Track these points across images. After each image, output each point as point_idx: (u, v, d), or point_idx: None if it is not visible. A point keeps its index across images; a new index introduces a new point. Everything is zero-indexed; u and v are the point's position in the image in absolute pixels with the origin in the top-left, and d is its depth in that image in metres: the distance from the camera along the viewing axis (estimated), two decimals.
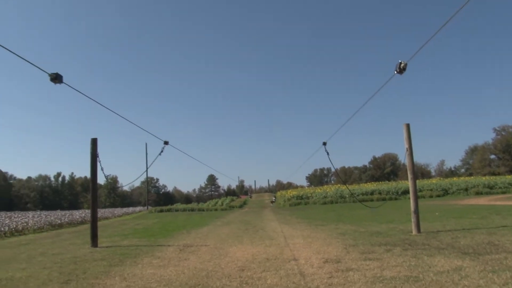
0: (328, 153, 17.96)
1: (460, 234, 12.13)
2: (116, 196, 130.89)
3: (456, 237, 11.50)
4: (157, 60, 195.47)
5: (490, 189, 52.35)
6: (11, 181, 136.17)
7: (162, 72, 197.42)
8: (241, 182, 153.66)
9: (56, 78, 9.35)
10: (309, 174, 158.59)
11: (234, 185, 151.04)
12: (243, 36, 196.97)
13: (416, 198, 14.09)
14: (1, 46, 7.95)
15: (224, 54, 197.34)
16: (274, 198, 68.37)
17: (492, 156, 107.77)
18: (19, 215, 32.48)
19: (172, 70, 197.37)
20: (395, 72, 7.58)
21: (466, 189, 52.93)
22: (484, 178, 64.34)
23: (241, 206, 58.84)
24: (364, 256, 9.02)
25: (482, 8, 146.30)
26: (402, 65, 7.10)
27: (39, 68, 9.08)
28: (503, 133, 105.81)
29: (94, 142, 14.74)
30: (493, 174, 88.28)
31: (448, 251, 9.15)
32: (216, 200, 75.72)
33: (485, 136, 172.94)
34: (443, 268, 7.27)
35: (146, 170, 63.22)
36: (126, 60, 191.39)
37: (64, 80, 9.76)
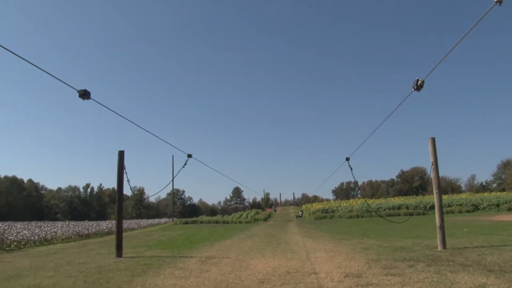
0: (351, 168, 17.91)
1: (487, 251, 11.87)
2: (142, 207, 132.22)
3: (482, 254, 11.26)
4: (184, 80, 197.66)
5: None
6: (42, 192, 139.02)
7: (189, 92, 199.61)
8: (267, 195, 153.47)
9: (85, 95, 9.61)
10: (335, 188, 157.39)
11: (259, 197, 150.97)
12: (264, 58, 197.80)
13: (442, 213, 13.87)
14: (33, 64, 8.22)
15: (249, 76, 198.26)
16: (301, 213, 59.89)
17: None
18: (49, 225, 33.07)
19: (197, 91, 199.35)
20: (413, 89, 7.55)
21: (498, 205, 51.70)
22: None
23: (265, 219, 58.69)
24: (386, 271, 8.92)
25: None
26: (419, 82, 7.06)
27: (68, 85, 9.35)
28: None
29: (121, 154, 15.00)
30: None
31: (473, 268, 8.97)
32: (241, 212, 75.73)
33: None
34: (466, 285, 7.15)
35: (172, 182, 63.80)
36: (152, 79, 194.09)
37: (93, 95, 10.04)
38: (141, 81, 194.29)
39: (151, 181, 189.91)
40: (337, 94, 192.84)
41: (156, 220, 63.30)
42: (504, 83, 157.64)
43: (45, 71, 8.82)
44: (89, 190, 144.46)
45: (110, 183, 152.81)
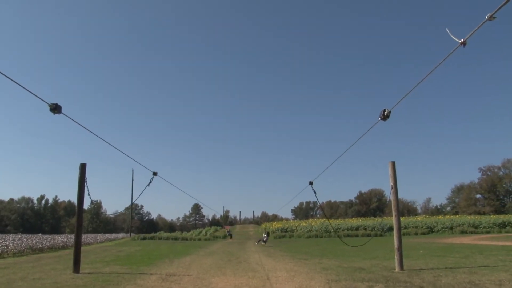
0: (315, 192, 18.20)
1: (442, 273, 12.21)
2: (99, 221, 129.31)
3: (438, 276, 11.58)
4: (144, 97, 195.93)
5: (475, 229, 52.81)
6: None
7: (149, 107, 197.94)
8: (226, 212, 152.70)
9: (56, 109, 9.47)
10: (294, 207, 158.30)
11: (218, 215, 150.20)
12: (226, 77, 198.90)
13: (400, 235, 14.20)
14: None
15: (214, 94, 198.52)
16: (266, 236, 37.84)
17: (478, 196, 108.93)
18: None
19: (158, 108, 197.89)
20: (379, 118, 7.78)
21: (451, 228, 53.29)
22: (469, 217, 64.88)
23: (224, 237, 58.44)
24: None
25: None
26: (386, 112, 7.31)
27: (40, 98, 9.18)
28: (488, 173, 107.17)
29: (83, 167, 14.74)
30: (479, 213, 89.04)
31: None
32: (200, 229, 75.21)
33: (471, 176, 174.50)
34: None
35: (131, 197, 62.90)
36: (113, 94, 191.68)
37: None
38: (100, 96, 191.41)
39: (108, 195, 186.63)
40: (301, 118, 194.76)
41: (113, 235, 62.18)
42: (459, 113, 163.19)
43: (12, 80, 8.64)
44: (43, 202, 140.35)
45: (66, 196, 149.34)
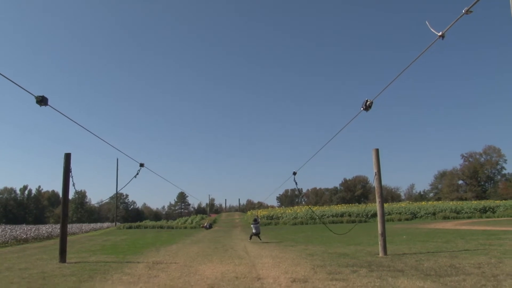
0: (296, 183, 18.40)
1: (424, 257, 12.49)
2: (83, 211, 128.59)
3: (420, 260, 11.85)
4: (128, 85, 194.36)
5: (457, 214, 53.66)
6: None
7: (136, 97, 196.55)
8: (212, 200, 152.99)
9: (42, 101, 9.44)
10: (280, 195, 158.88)
11: (204, 203, 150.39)
12: (214, 63, 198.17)
13: (384, 221, 14.46)
14: None
15: (198, 84, 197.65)
16: (254, 224, 24.82)
17: (460, 182, 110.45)
18: None
19: (142, 95, 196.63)
20: (362, 108, 7.91)
21: (434, 213, 54.07)
22: (451, 203, 65.89)
23: (210, 225, 58.65)
24: (331, 277, 9.25)
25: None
26: (368, 103, 7.43)
27: (26, 91, 9.15)
28: (470, 159, 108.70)
29: (67, 157, 14.70)
30: (461, 199, 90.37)
31: (412, 273, 9.46)
32: (186, 218, 75.23)
33: (454, 162, 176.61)
34: None
35: (116, 187, 62.72)
36: (96, 82, 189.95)
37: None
38: (85, 85, 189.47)
39: (93, 184, 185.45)
40: (287, 105, 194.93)
41: (99, 225, 62.01)
42: (443, 100, 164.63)
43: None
44: (26, 192, 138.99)
45: (50, 186, 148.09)
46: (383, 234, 14.03)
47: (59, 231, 14.84)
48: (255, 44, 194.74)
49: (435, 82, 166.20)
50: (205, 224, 40.17)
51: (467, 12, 3.58)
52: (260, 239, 23.30)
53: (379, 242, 13.98)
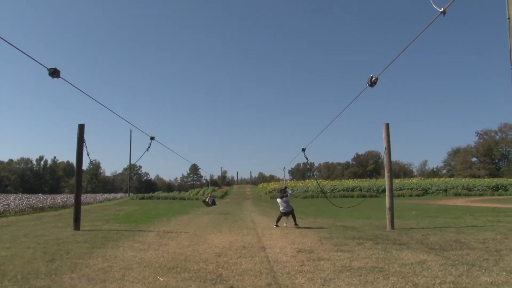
0: (307, 159, 18.50)
1: (431, 232, 12.63)
2: (98, 181, 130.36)
3: (426, 234, 11.99)
4: (144, 57, 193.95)
5: (469, 191, 53.55)
6: None
7: (149, 68, 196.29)
8: (224, 172, 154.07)
9: (54, 73, 9.59)
10: (291, 168, 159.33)
11: (216, 175, 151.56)
12: (230, 37, 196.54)
13: (392, 195, 14.56)
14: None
15: (211, 53, 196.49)
16: (287, 191, 16.28)
17: (474, 159, 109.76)
18: (0, 197, 32.42)
19: (159, 68, 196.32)
20: (367, 85, 7.94)
21: (446, 190, 54.05)
22: (463, 180, 65.69)
23: (222, 197, 59.27)
24: (337, 248, 9.46)
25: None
26: (373, 79, 7.47)
27: (39, 63, 9.30)
28: (485, 137, 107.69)
29: (81, 127, 14.93)
30: (474, 176, 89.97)
31: (416, 246, 9.62)
32: (198, 189, 76.06)
33: (468, 139, 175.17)
34: (408, 261, 7.71)
35: (130, 158, 63.38)
36: (115, 55, 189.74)
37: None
38: (103, 57, 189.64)
39: (107, 155, 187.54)
40: (300, 78, 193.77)
41: (112, 195, 62.94)
42: (457, 75, 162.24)
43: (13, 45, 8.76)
44: (42, 163, 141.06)
45: (65, 156, 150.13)
46: (391, 208, 14.15)
47: (73, 200, 15.17)
48: (273, 12, 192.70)
49: (451, 56, 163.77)
50: (207, 198, 28.93)
51: None
52: (296, 223, 15.19)
53: (387, 216, 14.12)
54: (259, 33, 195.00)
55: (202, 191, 68.29)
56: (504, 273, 6.55)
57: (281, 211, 15.48)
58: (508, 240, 10.37)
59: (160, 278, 6.49)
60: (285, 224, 15.41)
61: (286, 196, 15.68)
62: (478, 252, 8.67)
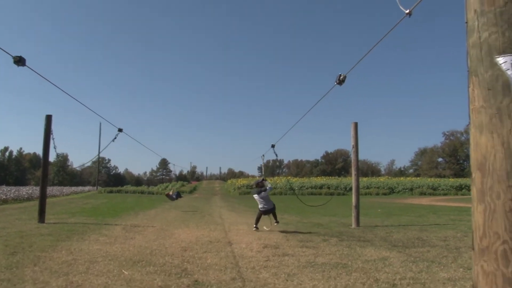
0: (276, 155, 18.61)
1: (395, 230, 12.90)
2: (65, 174, 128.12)
3: (390, 232, 12.25)
4: (116, 48, 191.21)
5: (434, 190, 54.71)
6: None
7: (120, 58, 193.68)
8: (193, 168, 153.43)
9: (20, 61, 9.38)
10: (261, 165, 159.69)
11: (186, 170, 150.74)
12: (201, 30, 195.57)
13: (358, 194, 14.81)
14: None
15: (183, 45, 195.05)
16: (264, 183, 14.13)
17: (440, 159, 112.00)
18: None
19: (130, 59, 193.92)
20: (335, 83, 8.05)
21: (412, 189, 55.08)
22: (429, 179, 67.14)
23: (191, 192, 59.07)
24: (302, 244, 9.58)
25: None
26: (341, 77, 7.58)
27: (4, 51, 9.08)
28: (451, 137, 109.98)
29: (48, 118, 14.67)
30: (439, 176, 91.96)
31: (380, 243, 9.82)
32: (167, 184, 75.59)
33: (435, 140, 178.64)
34: (371, 257, 7.88)
35: (99, 151, 62.48)
36: (83, 45, 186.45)
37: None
38: (73, 47, 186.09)
39: (75, 148, 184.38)
40: (269, 72, 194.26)
41: (80, 188, 62.05)
42: (425, 74, 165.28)
43: None
44: (7, 154, 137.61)
45: (31, 148, 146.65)
46: (357, 206, 14.40)
47: (39, 192, 14.92)
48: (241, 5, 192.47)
49: (419, 54, 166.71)
50: (170, 192, 26.62)
51: None
52: (276, 221, 13.24)
53: (353, 214, 14.36)
54: (229, 24, 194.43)
55: (171, 185, 67.86)
56: (461, 269, 6.76)
57: (260, 209, 13.08)
58: (467, 238, 10.67)
59: (124, 272, 6.47)
60: (265, 228, 12.91)
61: (265, 190, 13.19)
62: (438, 249, 8.92)
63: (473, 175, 2.02)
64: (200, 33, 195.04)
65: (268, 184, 14.29)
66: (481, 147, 1.96)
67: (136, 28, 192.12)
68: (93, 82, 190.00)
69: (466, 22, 2.08)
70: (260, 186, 13.43)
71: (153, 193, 51.46)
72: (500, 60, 1.89)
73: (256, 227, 12.71)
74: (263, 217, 13.22)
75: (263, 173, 19.88)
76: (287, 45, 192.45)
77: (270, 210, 13.09)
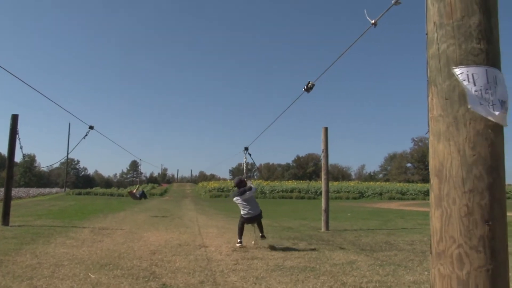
0: (250, 155, 18.55)
1: (363, 234, 13.09)
2: (32, 175, 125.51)
3: (359, 236, 12.42)
4: (87, 47, 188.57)
5: (402, 195, 55.55)
6: None
7: (90, 58, 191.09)
8: (164, 170, 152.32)
9: None
10: (232, 168, 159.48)
11: (156, 172, 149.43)
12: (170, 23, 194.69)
13: (328, 198, 14.97)
14: None
15: (156, 47, 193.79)
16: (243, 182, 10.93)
17: (408, 165, 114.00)
18: None
19: (101, 58, 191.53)
20: (303, 89, 8.13)
21: (381, 194, 55.79)
22: (398, 184, 68.15)
23: (161, 194, 58.61)
24: (271, 247, 9.64)
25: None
26: (309, 84, 7.67)
27: None
28: (420, 143, 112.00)
29: (14, 118, 14.37)
30: (408, 181, 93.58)
31: (348, 247, 9.95)
32: (137, 186, 74.65)
33: (405, 146, 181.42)
34: (339, 261, 7.98)
35: (67, 151, 61.45)
36: (53, 42, 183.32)
37: None
38: (39, 43, 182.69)
39: (43, 148, 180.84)
40: (242, 74, 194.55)
41: (47, 190, 60.92)
42: (395, 80, 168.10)
43: None
44: None
45: None
46: (327, 210, 14.55)
47: (3, 194, 14.60)
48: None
49: (388, 60, 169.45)
50: (134, 190, 23.66)
51: (396, 3, 3.87)
52: (262, 234, 10.57)
53: (322, 218, 14.50)
54: (204, 26, 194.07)
55: (141, 188, 66.97)
56: (426, 272, 6.91)
57: (244, 216, 10.34)
58: None
59: (91, 275, 6.39)
60: (253, 243, 10.31)
61: (250, 189, 10.35)
62: (405, 253, 9.10)
63: (431, 181, 2.09)
64: (173, 34, 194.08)
65: (251, 184, 11.05)
66: (438, 154, 2.03)
67: (110, 28, 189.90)
68: (60, 81, 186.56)
69: (426, 34, 2.15)
70: (243, 186, 10.50)
71: (123, 195, 50.85)
72: (457, 71, 1.97)
73: (240, 242, 9.75)
74: (246, 227, 10.58)
75: (245, 172, 13.88)
76: (262, 47, 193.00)
77: (256, 218, 10.37)
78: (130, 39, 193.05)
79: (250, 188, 10.41)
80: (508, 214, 2.36)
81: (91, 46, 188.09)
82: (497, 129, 1.96)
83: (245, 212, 10.32)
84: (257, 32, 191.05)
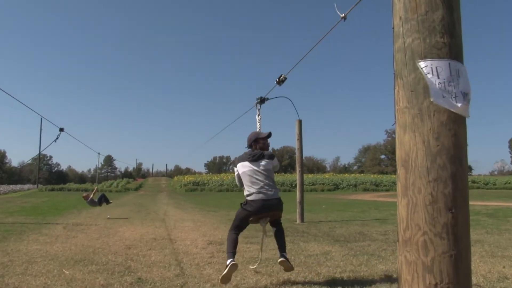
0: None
1: (338, 225, 13.24)
2: (3, 172, 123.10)
3: (333, 227, 12.56)
4: (54, 39, 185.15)
5: (376, 186, 56.34)
6: None
7: (58, 49, 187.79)
8: (139, 165, 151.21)
9: None
10: (208, 161, 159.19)
11: (131, 167, 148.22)
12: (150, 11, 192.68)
13: (302, 190, 15.12)
14: None
15: (131, 34, 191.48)
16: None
17: (382, 156, 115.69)
18: None
19: (70, 49, 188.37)
20: (275, 82, 8.18)
21: (355, 185, 56.46)
22: (372, 176, 69.10)
23: (136, 189, 58.22)
24: (247, 240, 9.67)
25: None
26: (281, 77, 7.72)
27: None
28: (393, 135, 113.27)
29: None
30: (382, 172, 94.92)
31: (323, 238, 10.07)
32: (112, 181, 74.02)
33: (378, 137, 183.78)
34: (314, 252, 8.08)
35: (39, 148, 60.46)
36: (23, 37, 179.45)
37: None
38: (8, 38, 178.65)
39: (14, 144, 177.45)
40: (216, 64, 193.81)
41: (19, 186, 59.86)
42: (369, 72, 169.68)
43: None
44: None
45: None
46: (301, 202, 14.69)
47: None
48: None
49: (361, 50, 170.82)
50: (91, 194, 18.53)
51: None
52: (284, 255, 6.08)
53: (297, 210, 14.64)
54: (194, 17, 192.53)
55: (116, 183, 66.45)
56: None
57: (250, 200, 6.21)
58: None
59: (65, 271, 6.34)
60: (255, 266, 6.75)
61: (270, 157, 6.13)
62: (378, 243, 9.25)
63: (398, 171, 2.16)
64: (152, 26, 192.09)
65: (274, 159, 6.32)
66: (404, 145, 2.10)
67: (78, 19, 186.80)
68: (31, 73, 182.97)
69: (393, 28, 2.22)
70: (259, 148, 6.21)
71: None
72: (422, 64, 2.04)
73: (233, 261, 5.72)
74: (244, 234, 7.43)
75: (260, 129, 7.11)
76: (234, 38, 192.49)
77: (273, 206, 6.28)
78: (101, 29, 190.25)
79: (271, 156, 6.10)
80: (471, 203, 2.45)
81: (60, 36, 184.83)
82: (460, 120, 2.03)
83: (254, 190, 5.93)
84: (227, 23, 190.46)
